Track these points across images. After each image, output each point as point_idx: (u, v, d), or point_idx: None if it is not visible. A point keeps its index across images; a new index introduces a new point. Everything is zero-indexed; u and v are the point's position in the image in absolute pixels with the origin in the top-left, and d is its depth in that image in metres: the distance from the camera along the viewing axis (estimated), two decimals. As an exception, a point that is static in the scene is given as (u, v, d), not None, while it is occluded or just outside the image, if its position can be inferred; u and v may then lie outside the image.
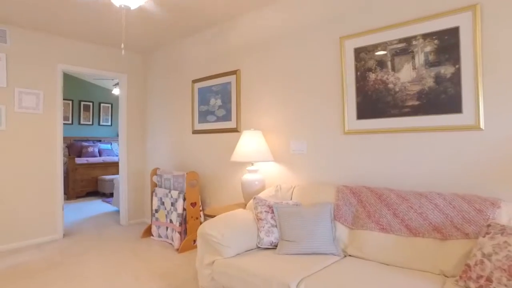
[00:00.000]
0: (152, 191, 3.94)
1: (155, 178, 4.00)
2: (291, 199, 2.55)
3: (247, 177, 2.89)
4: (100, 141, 9.06)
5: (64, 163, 6.70)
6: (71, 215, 5.28)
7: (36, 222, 3.81)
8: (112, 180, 6.71)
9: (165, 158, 4.42)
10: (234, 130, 3.42)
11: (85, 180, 6.75)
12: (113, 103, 9.52)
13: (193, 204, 3.55)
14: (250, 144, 2.85)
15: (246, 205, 2.90)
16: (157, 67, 4.61)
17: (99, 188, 6.85)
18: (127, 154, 4.66)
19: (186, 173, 3.53)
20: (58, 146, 4.01)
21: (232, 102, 3.46)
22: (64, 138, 8.14)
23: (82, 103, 8.81)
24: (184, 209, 3.51)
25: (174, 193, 3.60)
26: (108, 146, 8.78)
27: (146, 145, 4.83)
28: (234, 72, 3.44)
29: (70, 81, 8.54)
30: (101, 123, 9.22)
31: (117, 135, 9.65)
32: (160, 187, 3.91)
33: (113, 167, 7.26)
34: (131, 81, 4.74)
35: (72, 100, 8.57)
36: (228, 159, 3.51)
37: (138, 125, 4.81)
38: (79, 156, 7.78)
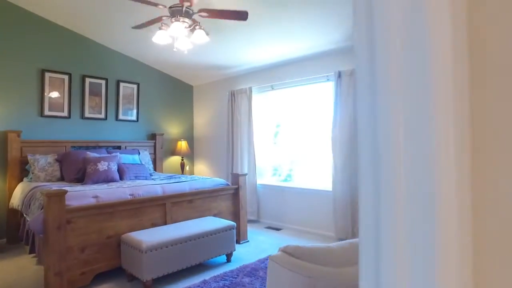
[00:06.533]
0: None
1: None
2: None
3: None
4: (119, 147, 5.14)
5: (41, 208, 2.74)
6: None
7: None
8: (157, 249, 2.73)
9: None
10: None
11: (92, 246, 2.79)
12: (140, 82, 5.59)
13: None
14: None
15: None
16: None
17: (124, 263, 2.89)
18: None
19: None
20: None
21: None
22: (56, 143, 4.23)
23: (88, 80, 4.89)
24: None
25: None
26: (135, 157, 4.83)
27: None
28: None
29: (65, 37, 4.58)
30: (120, 116, 5.31)
31: (148, 138, 5.70)
32: None
33: (154, 207, 3.28)
34: None
35: (70, 74, 4.66)
36: None
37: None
38: (81, 181, 3.84)
